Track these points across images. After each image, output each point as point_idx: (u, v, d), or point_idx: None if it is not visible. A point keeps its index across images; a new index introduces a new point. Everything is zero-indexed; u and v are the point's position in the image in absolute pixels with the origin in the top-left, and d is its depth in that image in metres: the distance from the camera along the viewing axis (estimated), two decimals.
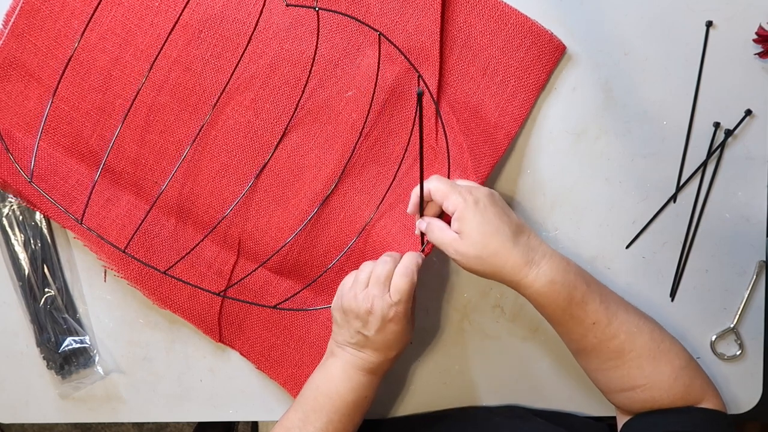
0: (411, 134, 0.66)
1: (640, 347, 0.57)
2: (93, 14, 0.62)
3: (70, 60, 0.63)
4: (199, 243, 0.66)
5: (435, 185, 0.57)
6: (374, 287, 0.58)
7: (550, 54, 0.64)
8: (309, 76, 0.65)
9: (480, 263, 0.55)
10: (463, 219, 0.55)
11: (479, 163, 0.64)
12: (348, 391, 0.60)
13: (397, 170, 0.66)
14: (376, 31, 0.63)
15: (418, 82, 0.65)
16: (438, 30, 0.63)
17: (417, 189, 0.59)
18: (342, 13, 0.63)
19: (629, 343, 0.57)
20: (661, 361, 0.57)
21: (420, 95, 0.51)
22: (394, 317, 0.57)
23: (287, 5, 0.63)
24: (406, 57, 0.64)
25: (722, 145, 0.67)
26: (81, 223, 0.64)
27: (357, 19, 0.63)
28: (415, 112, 0.65)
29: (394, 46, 0.64)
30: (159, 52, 0.63)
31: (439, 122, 0.66)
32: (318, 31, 0.64)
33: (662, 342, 0.58)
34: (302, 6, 0.63)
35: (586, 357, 0.60)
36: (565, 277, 0.55)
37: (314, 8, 0.63)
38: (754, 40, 0.66)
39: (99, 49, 0.64)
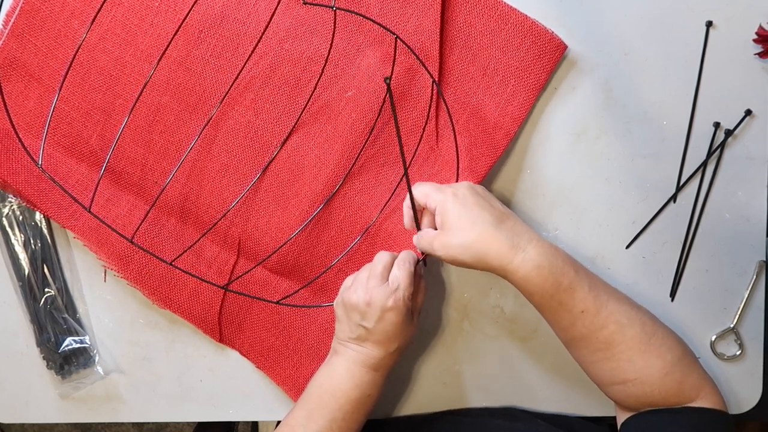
0: (421, 137, 0.66)
1: (630, 339, 0.57)
2: (96, 16, 0.62)
3: (72, 61, 0.63)
4: (202, 236, 0.66)
5: (419, 189, 0.60)
6: (373, 279, 0.59)
7: (551, 53, 0.64)
8: (321, 75, 0.65)
9: (464, 251, 0.56)
10: (444, 211, 0.57)
11: (477, 163, 0.64)
12: (351, 388, 0.60)
13: (405, 173, 0.66)
14: (393, 33, 0.63)
15: (432, 88, 0.65)
16: (438, 30, 0.63)
17: (407, 202, 0.61)
18: (360, 14, 0.63)
19: (619, 334, 0.56)
20: (652, 354, 0.57)
21: (388, 83, 0.53)
22: (393, 306, 0.58)
23: (304, 3, 0.63)
24: (422, 63, 0.64)
25: (722, 145, 0.67)
26: (89, 210, 0.63)
27: (375, 21, 0.63)
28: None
29: (410, 50, 0.63)
30: (162, 54, 0.63)
31: (439, 124, 0.66)
32: (333, 31, 0.64)
33: (654, 335, 0.57)
34: (320, 5, 0.63)
35: (576, 347, 0.59)
36: (552, 262, 0.55)
37: (332, 7, 0.63)
38: (754, 40, 0.66)
39: (99, 50, 0.64)
